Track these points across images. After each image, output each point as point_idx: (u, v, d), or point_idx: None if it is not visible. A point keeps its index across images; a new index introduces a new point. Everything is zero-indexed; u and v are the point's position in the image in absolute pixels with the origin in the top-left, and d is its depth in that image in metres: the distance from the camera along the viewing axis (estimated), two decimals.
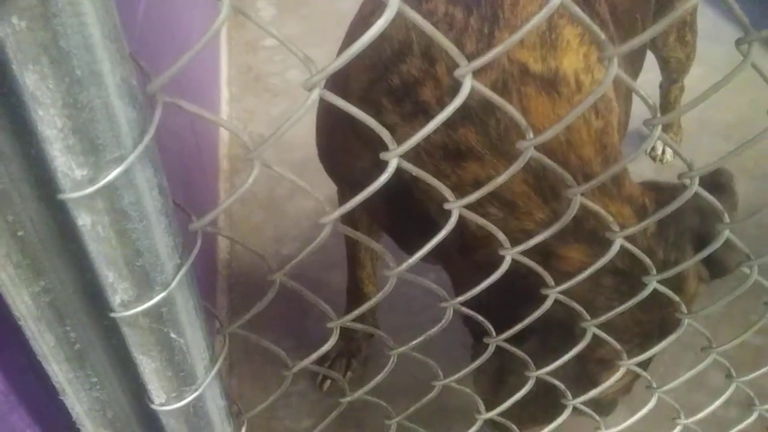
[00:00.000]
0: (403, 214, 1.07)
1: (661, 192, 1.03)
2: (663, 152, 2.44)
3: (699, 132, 2.49)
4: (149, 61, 0.48)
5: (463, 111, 1.00)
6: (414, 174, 0.63)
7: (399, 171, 0.60)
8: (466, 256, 1.03)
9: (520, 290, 0.86)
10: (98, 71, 0.43)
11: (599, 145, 1.03)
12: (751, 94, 2.44)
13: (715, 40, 2.64)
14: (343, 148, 1.23)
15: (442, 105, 1.00)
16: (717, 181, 1.03)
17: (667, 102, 2.37)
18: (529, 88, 1.01)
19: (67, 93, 0.43)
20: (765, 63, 0.68)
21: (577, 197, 0.74)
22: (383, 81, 1.07)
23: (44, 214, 0.52)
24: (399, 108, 1.05)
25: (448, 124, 1.00)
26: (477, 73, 1.03)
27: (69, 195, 0.47)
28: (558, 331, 0.93)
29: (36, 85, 0.42)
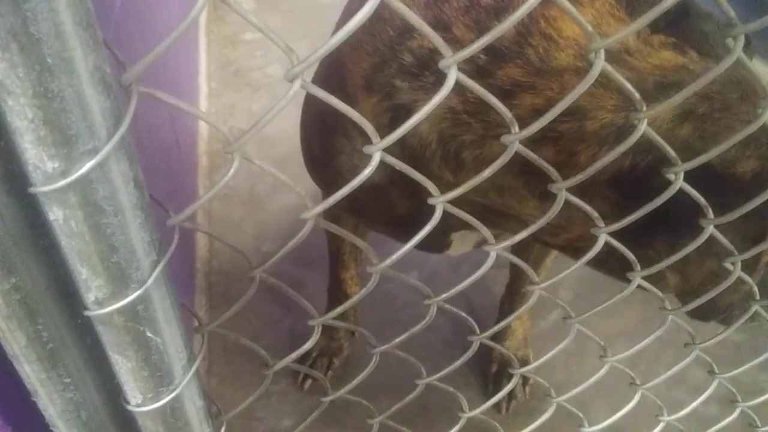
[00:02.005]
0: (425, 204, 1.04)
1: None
2: None
3: None
4: (126, 52, 0.47)
5: (496, 54, 0.97)
6: (398, 168, 0.62)
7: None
8: (544, 200, 1.00)
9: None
10: (70, 59, 0.41)
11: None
12: None
13: None
14: (338, 150, 1.19)
15: (474, 61, 0.98)
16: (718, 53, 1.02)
17: None
18: (553, 11, 0.98)
19: (37, 81, 0.41)
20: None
21: (563, 192, 0.73)
22: (390, 63, 1.04)
23: (15, 209, 0.50)
24: (418, 83, 1.02)
25: (485, 74, 0.97)
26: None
27: (40, 189, 0.45)
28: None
29: (5, 73, 0.40)
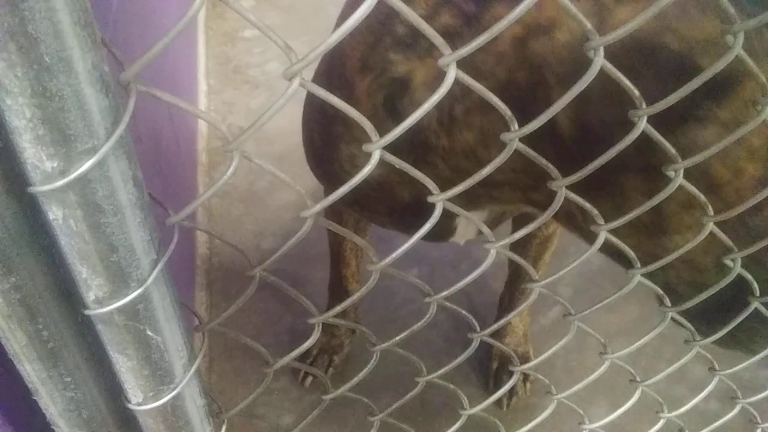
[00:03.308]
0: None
1: None
2: None
3: None
4: (125, 50, 0.47)
5: None
6: (397, 166, 0.62)
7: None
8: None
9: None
10: (68, 58, 0.41)
11: None
12: None
13: None
14: (338, 138, 1.19)
15: (469, 24, 0.96)
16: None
17: None
18: None
19: (35, 81, 0.41)
20: None
21: (562, 190, 0.73)
22: (383, 38, 1.04)
23: (14, 209, 0.50)
24: (412, 52, 1.02)
25: (473, 21, 0.96)
26: None
27: (39, 188, 0.45)
28: None
29: (3, 72, 0.40)
